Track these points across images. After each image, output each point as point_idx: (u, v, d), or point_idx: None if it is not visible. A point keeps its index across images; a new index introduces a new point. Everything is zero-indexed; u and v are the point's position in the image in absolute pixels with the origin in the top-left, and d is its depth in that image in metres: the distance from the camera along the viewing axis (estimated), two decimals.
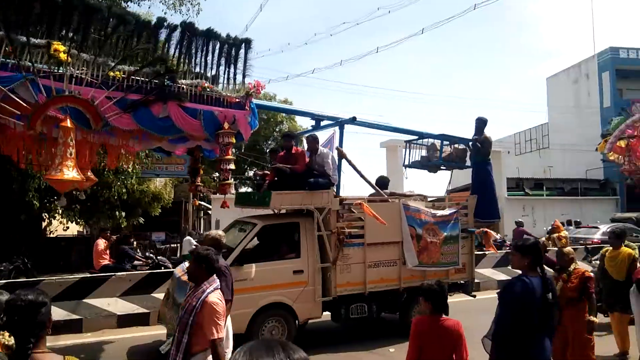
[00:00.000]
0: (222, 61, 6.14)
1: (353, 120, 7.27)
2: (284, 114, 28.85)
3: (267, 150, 31.26)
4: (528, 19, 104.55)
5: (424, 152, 8.72)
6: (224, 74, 6.20)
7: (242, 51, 6.22)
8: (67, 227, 17.54)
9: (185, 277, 4.58)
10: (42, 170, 6.08)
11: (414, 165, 8.68)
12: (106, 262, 9.53)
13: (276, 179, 6.78)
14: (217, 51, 6.10)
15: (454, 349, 3.22)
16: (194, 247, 7.42)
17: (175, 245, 18.82)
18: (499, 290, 3.61)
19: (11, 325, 2.02)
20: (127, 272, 8.67)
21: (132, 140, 5.89)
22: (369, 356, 6.42)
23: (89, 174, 5.74)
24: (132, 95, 5.34)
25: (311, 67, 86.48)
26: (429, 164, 8.53)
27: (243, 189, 26.34)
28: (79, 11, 5.15)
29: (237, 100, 6.11)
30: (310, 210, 6.59)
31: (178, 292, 5.17)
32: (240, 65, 6.22)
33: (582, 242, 14.22)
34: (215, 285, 3.49)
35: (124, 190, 13.23)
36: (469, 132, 8.37)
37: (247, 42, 6.27)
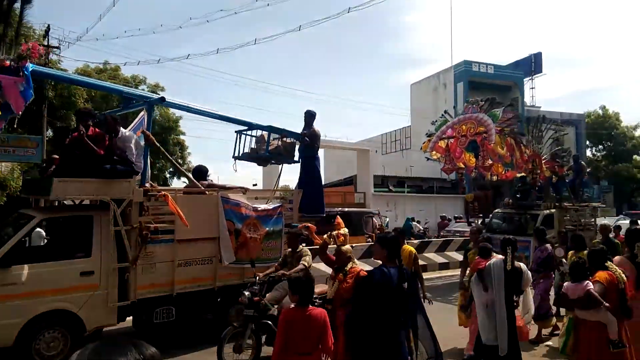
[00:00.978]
0: None
1: (161, 101, 6.55)
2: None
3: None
4: (401, 28, 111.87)
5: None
6: None
7: (17, 4, 5.11)
8: None
9: None
10: None
11: (243, 157, 8.26)
12: None
13: (66, 163, 5.73)
14: None
15: (320, 337, 3.35)
16: None
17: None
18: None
19: None
20: None
21: None
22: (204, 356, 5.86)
23: None
24: None
25: (185, 53, 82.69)
26: (256, 156, 8.16)
27: None
28: None
29: (7, 63, 4.98)
30: (106, 202, 5.68)
31: None
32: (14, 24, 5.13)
33: (459, 234, 16.03)
34: None
35: None
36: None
37: None
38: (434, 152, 11.78)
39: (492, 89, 34.91)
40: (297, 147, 8.07)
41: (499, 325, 4.59)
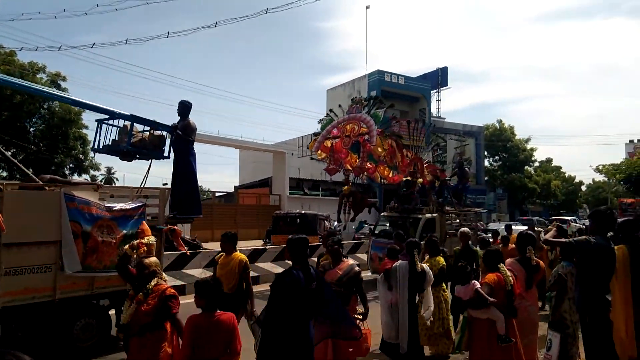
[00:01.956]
0: None
1: None
2: (53, 89, 24.94)
3: (32, 130, 26.56)
4: (319, 33, 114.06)
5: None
6: None
7: None
8: None
9: None
10: None
11: (103, 150, 7.37)
12: None
13: None
14: None
15: (229, 342, 3.28)
16: None
17: None
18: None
19: None
20: None
21: None
22: None
23: None
24: None
25: (91, 41, 77.48)
26: (117, 149, 7.27)
27: None
28: None
29: None
30: None
31: None
32: None
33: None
34: None
35: None
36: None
37: None
38: (319, 152, 11.51)
39: (402, 99, 36.74)
40: (167, 141, 7.38)
41: (400, 325, 4.84)
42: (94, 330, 5.94)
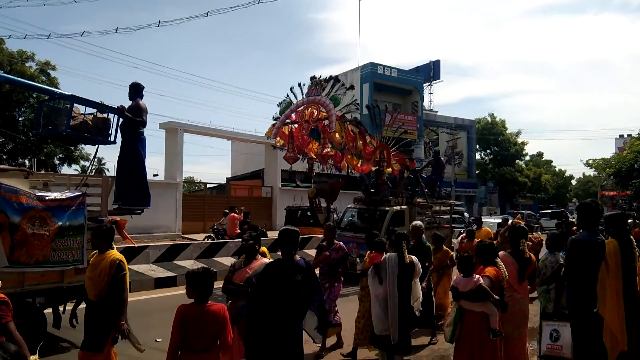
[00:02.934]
0: None
1: None
2: (43, 77, 24.59)
3: (20, 120, 26.17)
4: (311, 25, 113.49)
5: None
6: None
7: None
8: None
9: None
10: None
11: (45, 133, 6.89)
12: None
13: None
14: None
15: (219, 333, 3.29)
16: None
17: None
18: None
19: None
20: None
21: None
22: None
23: None
24: None
25: (81, 29, 76.39)
26: (57, 132, 6.67)
27: None
28: None
29: None
30: None
31: None
32: None
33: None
34: None
35: None
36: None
37: None
38: (278, 139, 10.47)
39: (395, 91, 36.75)
40: (113, 124, 6.79)
41: (391, 316, 4.86)
42: (24, 332, 5.26)
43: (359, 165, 11.92)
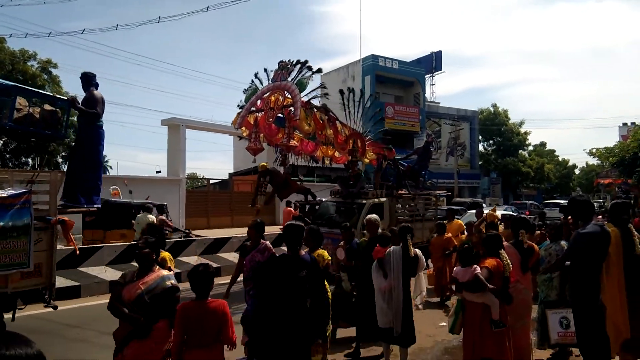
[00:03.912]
0: None
1: None
2: (44, 76, 24.65)
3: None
4: (312, 17, 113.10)
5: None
6: None
7: None
8: None
9: None
10: None
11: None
12: None
13: None
14: None
15: (220, 329, 3.33)
16: None
17: None
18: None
19: None
20: None
21: None
22: None
23: None
24: None
25: (81, 27, 76.32)
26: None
27: None
28: None
29: None
30: None
31: None
32: None
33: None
34: None
35: None
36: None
37: None
38: (243, 129, 9.81)
39: (396, 83, 36.62)
40: (62, 117, 6.40)
41: (395, 308, 4.89)
42: None
43: (336, 155, 11.18)
